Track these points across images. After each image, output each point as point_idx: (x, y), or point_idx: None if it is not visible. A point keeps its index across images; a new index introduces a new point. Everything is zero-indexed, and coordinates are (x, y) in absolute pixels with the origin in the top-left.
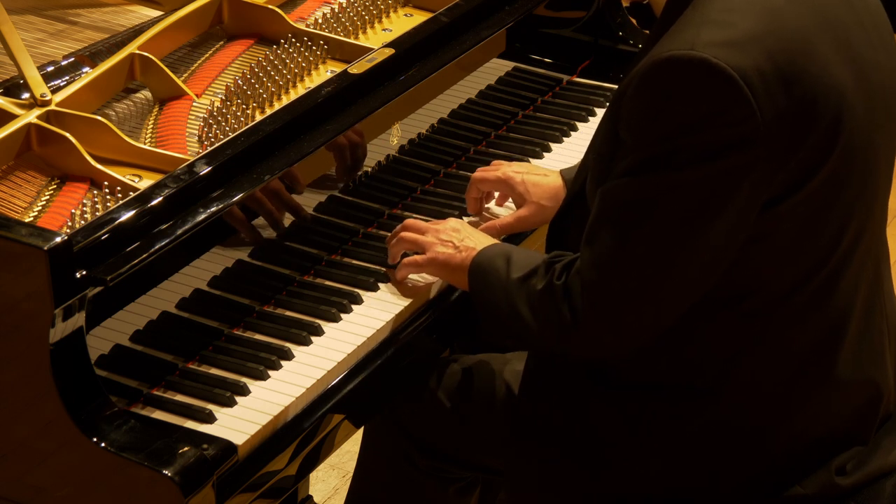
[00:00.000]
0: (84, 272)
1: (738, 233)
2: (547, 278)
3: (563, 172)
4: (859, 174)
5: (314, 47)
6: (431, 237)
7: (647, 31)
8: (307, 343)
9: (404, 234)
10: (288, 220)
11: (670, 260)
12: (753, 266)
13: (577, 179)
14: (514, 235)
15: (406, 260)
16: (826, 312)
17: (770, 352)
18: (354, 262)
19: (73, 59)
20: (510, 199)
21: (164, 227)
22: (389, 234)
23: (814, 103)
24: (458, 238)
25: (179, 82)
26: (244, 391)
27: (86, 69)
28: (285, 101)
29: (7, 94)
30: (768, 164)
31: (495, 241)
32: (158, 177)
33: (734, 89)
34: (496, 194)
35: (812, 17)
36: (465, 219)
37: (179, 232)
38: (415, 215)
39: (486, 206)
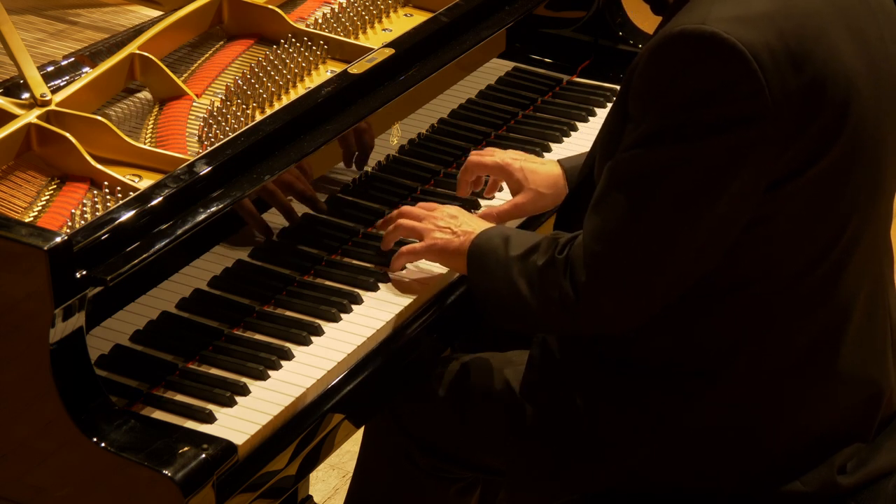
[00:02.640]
0: (84, 272)
1: (743, 210)
2: (549, 254)
3: (561, 162)
4: (866, 163)
5: (314, 47)
6: (429, 223)
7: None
8: (307, 343)
9: (401, 221)
10: (288, 220)
11: (675, 232)
12: (757, 251)
13: (585, 165)
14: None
15: (404, 248)
16: (829, 306)
17: (772, 342)
18: (354, 262)
19: (73, 59)
20: (500, 192)
21: (164, 227)
22: (384, 220)
23: (822, 86)
24: (456, 224)
25: (179, 82)
26: (244, 391)
27: (86, 69)
28: (285, 101)
29: (7, 94)
30: (774, 142)
31: (493, 225)
32: (158, 177)
33: (743, 64)
34: (486, 180)
35: (825, 5)
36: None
37: (179, 232)
38: None
39: (475, 190)
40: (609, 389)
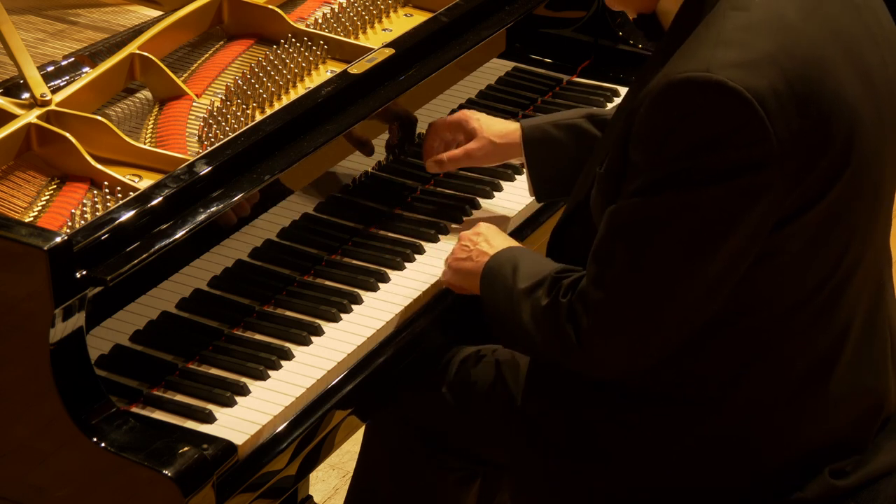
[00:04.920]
0: (84, 272)
1: (748, 253)
2: (552, 295)
3: (523, 123)
4: (869, 188)
5: (314, 47)
6: (457, 244)
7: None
8: (307, 343)
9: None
10: (288, 220)
11: (678, 281)
12: (759, 284)
13: (580, 188)
14: (516, 234)
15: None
16: (828, 330)
17: (771, 368)
18: (354, 262)
19: (73, 59)
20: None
21: (164, 227)
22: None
23: (828, 123)
24: (474, 243)
25: (179, 82)
26: (244, 391)
27: (86, 69)
28: (285, 101)
29: (7, 94)
30: (782, 184)
31: (512, 243)
32: (158, 177)
33: (749, 111)
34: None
35: (824, 33)
36: (488, 219)
37: (179, 232)
38: (415, 215)
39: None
40: (608, 413)
